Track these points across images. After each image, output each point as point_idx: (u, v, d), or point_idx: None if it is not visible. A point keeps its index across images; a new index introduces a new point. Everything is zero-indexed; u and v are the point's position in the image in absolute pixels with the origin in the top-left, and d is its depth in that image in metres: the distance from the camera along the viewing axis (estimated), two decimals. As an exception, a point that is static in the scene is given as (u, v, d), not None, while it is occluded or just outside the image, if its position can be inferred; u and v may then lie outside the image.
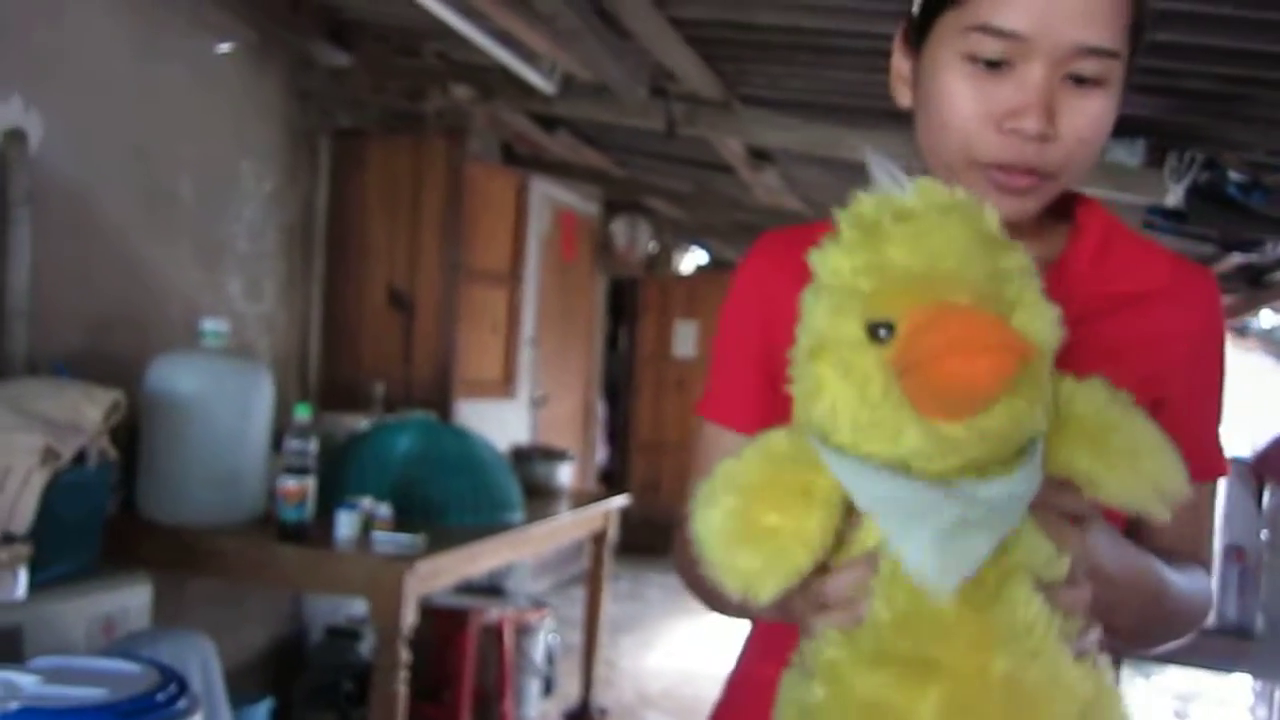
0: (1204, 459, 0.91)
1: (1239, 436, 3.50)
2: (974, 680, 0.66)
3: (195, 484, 2.56)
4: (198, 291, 3.20)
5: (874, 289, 0.66)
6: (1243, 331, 5.93)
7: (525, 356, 5.42)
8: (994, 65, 0.81)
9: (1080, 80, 0.80)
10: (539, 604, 4.24)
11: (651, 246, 6.53)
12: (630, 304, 7.42)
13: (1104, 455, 0.72)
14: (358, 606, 3.98)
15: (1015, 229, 0.81)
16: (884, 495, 0.67)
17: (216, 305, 3.25)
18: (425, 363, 3.85)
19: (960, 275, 0.65)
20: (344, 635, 3.70)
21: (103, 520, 2.32)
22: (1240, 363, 7.24)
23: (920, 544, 0.65)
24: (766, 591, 0.70)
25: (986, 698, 0.65)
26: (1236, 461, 3.20)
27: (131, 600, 2.30)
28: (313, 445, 2.51)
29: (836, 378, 0.68)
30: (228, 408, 2.59)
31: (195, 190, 3.18)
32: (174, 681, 1.04)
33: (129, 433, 2.54)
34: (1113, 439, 0.72)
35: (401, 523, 2.63)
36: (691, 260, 8.23)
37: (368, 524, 2.58)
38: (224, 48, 3.24)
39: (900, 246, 0.66)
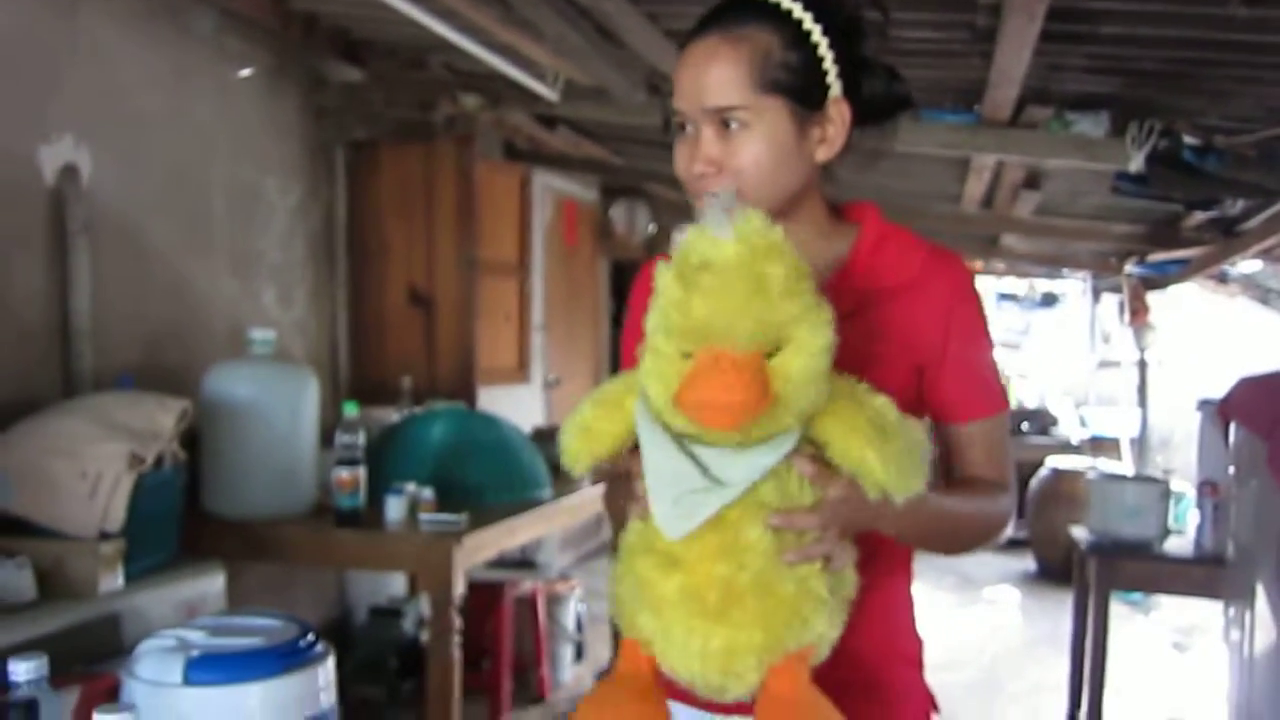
0: (976, 401, 1.27)
1: (1214, 379, 3.72)
2: (701, 576, 1.00)
3: (254, 480, 2.81)
4: (236, 303, 3.45)
5: (681, 326, 0.97)
6: (1223, 279, 6.14)
7: (536, 342, 5.66)
8: (683, 128, 1.19)
9: (729, 126, 1.16)
10: (567, 576, 4.49)
11: (650, 228, 6.75)
12: (632, 285, 7.64)
13: (855, 438, 1.03)
14: (398, 587, 4.24)
15: (812, 237, 1.24)
16: (654, 460, 1.02)
17: (254, 314, 3.49)
18: (447, 355, 4.09)
19: (735, 328, 0.96)
20: (387, 614, 3.93)
21: (179, 517, 2.58)
22: (1222, 310, 7.46)
23: (663, 502, 1.00)
24: (579, 466, 1.10)
25: (708, 588, 0.99)
26: (1207, 404, 3.45)
27: (209, 587, 2.54)
28: (361, 438, 2.76)
29: (655, 370, 1.00)
30: (279, 409, 2.83)
31: (228, 208, 3.42)
32: (309, 631, 1.28)
33: (188, 436, 2.79)
34: (862, 431, 1.04)
35: (443, 504, 2.88)
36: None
37: (413, 507, 2.83)
38: (245, 73, 3.47)
39: (701, 297, 0.96)
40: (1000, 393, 1.29)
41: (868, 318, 1.20)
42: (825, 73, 1.17)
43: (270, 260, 3.65)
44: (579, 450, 1.09)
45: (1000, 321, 9.30)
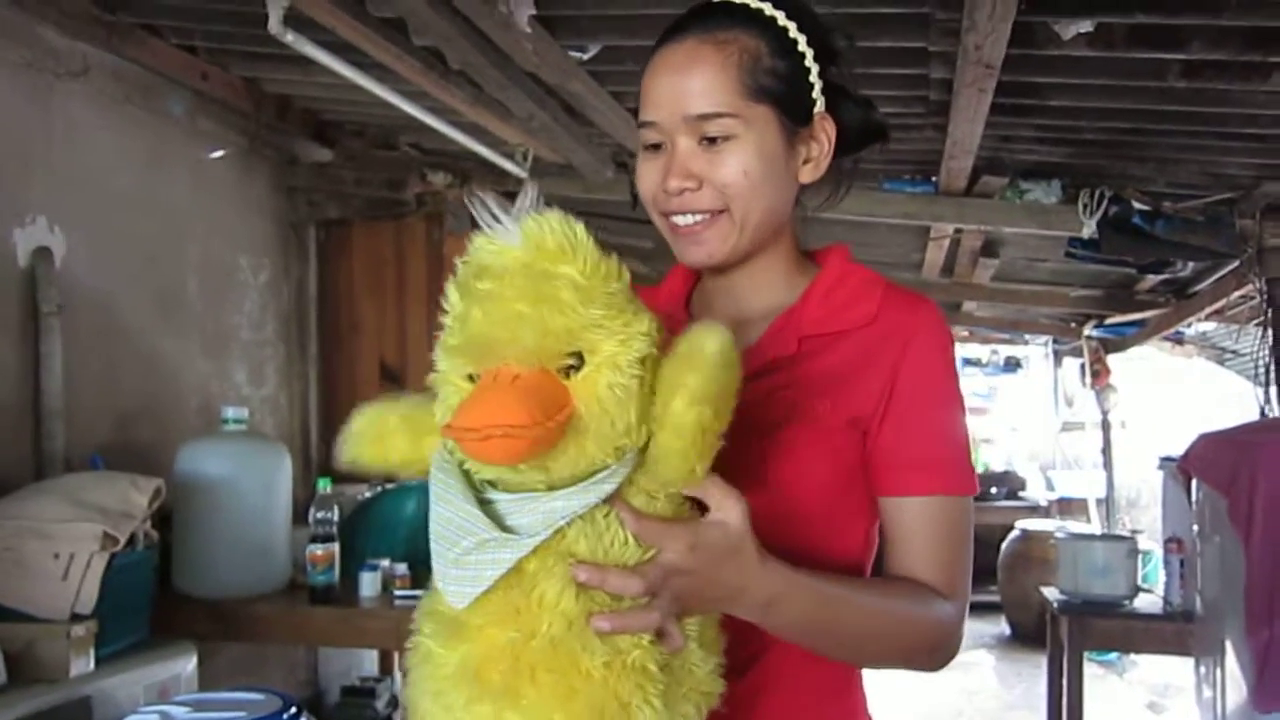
0: (922, 470, 1.03)
1: (1177, 438, 3.80)
2: (484, 646, 0.81)
3: (227, 558, 2.79)
4: (208, 381, 3.45)
5: (460, 344, 0.81)
6: (1179, 340, 6.28)
7: (507, 416, 5.66)
8: (655, 147, 1.06)
9: (712, 140, 1.02)
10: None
11: (618, 301, 6.82)
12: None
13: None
14: (370, 665, 4.18)
15: (778, 275, 1.11)
16: (438, 511, 0.84)
17: (226, 392, 3.49)
18: (419, 430, 4.09)
19: (516, 339, 0.78)
20: (359, 694, 3.89)
21: (151, 597, 2.55)
22: (1179, 368, 7.61)
23: (443, 563, 0.82)
24: (354, 463, 0.93)
25: (491, 662, 0.80)
26: (1169, 461, 3.52)
27: (181, 668, 2.51)
28: (335, 514, 2.76)
29: (441, 400, 0.85)
30: (253, 487, 2.82)
31: (201, 288, 3.44)
32: (293, 704, 1.29)
33: (160, 514, 2.77)
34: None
35: (417, 580, 2.86)
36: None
37: (387, 583, 2.82)
38: (217, 154, 3.52)
39: (478, 309, 0.80)
40: (960, 468, 1.05)
41: (806, 366, 1.06)
42: (811, 85, 1.06)
43: (242, 338, 3.66)
44: (364, 454, 0.94)
45: (965, 387, 9.44)
